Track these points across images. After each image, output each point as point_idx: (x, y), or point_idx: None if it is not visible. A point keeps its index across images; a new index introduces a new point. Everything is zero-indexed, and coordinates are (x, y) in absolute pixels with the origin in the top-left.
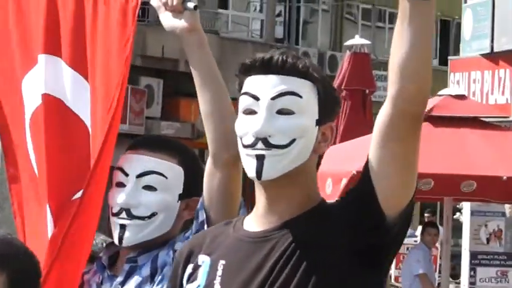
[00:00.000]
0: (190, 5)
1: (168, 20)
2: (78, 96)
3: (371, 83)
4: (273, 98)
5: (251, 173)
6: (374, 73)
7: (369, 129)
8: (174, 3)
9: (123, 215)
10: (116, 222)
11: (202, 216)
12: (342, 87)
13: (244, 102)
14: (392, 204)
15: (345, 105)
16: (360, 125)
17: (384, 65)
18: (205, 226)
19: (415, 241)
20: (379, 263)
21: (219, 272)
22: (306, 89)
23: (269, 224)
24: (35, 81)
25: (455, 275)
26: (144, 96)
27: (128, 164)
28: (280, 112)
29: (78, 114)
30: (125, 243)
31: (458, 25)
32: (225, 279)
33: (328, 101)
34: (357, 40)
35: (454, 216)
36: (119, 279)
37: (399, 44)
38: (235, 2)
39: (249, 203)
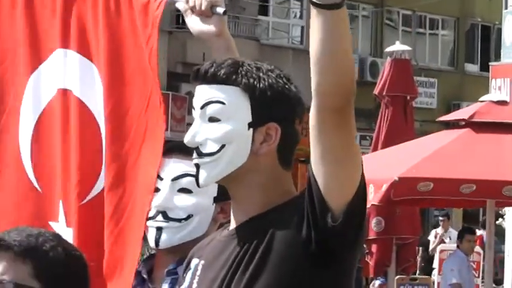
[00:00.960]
0: (220, 10)
1: (195, 24)
2: (93, 92)
3: (412, 89)
4: (201, 107)
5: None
6: (415, 79)
7: (410, 135)
8: (203, 7)
9: (160, 217)
10: (152, 226)
11: None
12: (384, 94)
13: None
14: (333, 198)
15: (386, 112)
16: (402, 131)
17: (425, 71)
18: None
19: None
20: (332, 258)
21: (198, 272)
22: (231, 96)
23: (237, 222)
24: (49, 76)
25: (498, 281)
26: (185, 103)
27: (162, 169)
28: (211, 119)
29: (90, 109)
30: (161, 245)
31: (499, 31)
32: (201, 277)
33: (265, 103)
34: (398, 46)
35: (497, 222)
36: None
37: (311, 42)
38: (275, 8)
39: None
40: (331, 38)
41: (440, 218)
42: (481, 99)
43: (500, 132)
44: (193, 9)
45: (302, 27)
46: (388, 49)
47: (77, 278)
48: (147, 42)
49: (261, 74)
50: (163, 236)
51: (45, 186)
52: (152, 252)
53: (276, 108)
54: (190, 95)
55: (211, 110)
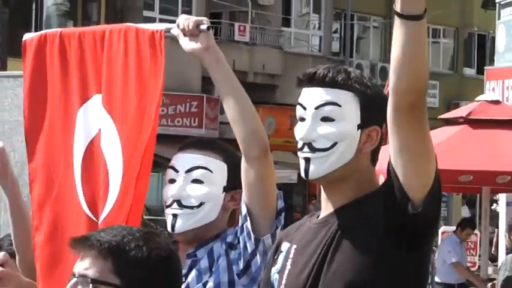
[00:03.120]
0: (204, 27)
1: (187, 44)
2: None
3: None
4: (316, 108)
5: (301, 172)
6: None
7: None
8: (191, 27)
9: (175, 205)
10: (169, 213)
11: (244, 210)
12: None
13: (298, 111)
14: (413, 189)
15: None
16: None
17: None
18: (248, 218)
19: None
20: (414, 241)
21: (291, 255)
22: (346, 99)
23: (327, 212)
24: (90, 117)
25: (493, 259)
26: (217, 104)
27: (177, 162)
28: (324, 119)
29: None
30: (176, 230)
31: (493, 39)
32: (295, 260)
33: (371, 108)
34: None
35: (492, 207)
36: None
37: (393, 48)
38: (296, 20)
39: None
40: (412, 46)
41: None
42: (477, 99)
43: (494, 128)
44: (183, 32)
45: (320, 37)
46: None
47: (160, 278)
48: (156, 65)
49: (367, 82)
50: (178, 222)
51: (96, 215)
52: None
53: (378, 113)
54: None
55: (326, 110)
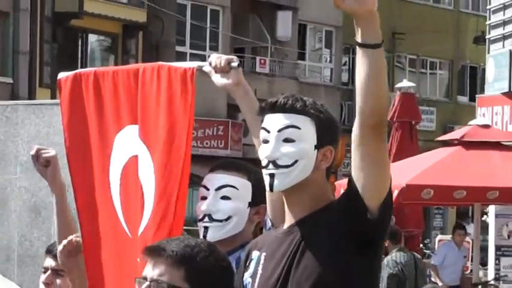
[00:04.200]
0: (234, 64)
1: (218, 79)
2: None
3: (417, 116)
4: (279, 130)
5: (266, 186)
6: (419, 108)
7: (415, 152)
8: (222, 65)
9: (206, 219)
10: (201, 225)
11: (268, 224)
12: (394, 120)
13: (262, 134)
14: (370, 197)
15: (396, 133)
16: (408, 149)
17: (427, 102)
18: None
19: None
20: (370, 247)
21: (262, 261)
22: (304, 123)
23: (289, 223)
24: (124, 145)
25: (483, 263)
26: (241, 128)
27: (209, 182)
28: (286, 140)
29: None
30: (208, 239)
31: (483, 70)
32: (265, 266)
33: (325, 130)
34: (405, 83)
35: (482, 218)
36: None
37: (357, 75)
38: (310, 54)
39: None
40: (373, 70)
41: None
42: (469, 123)
43: (484, 149)
44: (215, 69)
45: (331, 69)
46: (398, 85)
47: (222, 284)
48: (186, 99)
49: (320, 108)
50: (209, 233)
51: (132, 231)
52: None
53: (331, 135)
54: (245, 121)
55: (288, 132)
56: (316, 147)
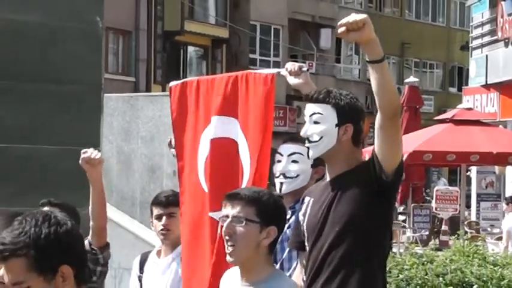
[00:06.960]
0: (304, 69)
1: (293, 80)
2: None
3: (420, 102)
4: (310, 116)
5: (307, 154)
6: (422, 97)
7: (418, 127)
8: (295, 69)
9: (281, 177)
10: (277, 181)
11: (297, 213)
12: (404, 105)
13: (305, 118)
14: (387, 164)
15: (405, 114)
16: (413, 126)
17: (427, 92)
18: None
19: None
20: (386, 198)
21: (310, 204)
22: (325, 109)
23: (330, 178)
24: (207, 134)
25: (468, 206)
26: (296, 111)
27: (282, 150)
28: (314, 122)
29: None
30: (283, 192)
31: (467, 70)
32: (312, 207)
33: (344, 113)
34: (411, 79)
35: (467, 174)
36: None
37: (372, 83)
38: (344, 58)
39: None
40: (382, 79)
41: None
42: (458, 107)
43: (468, 125)
44: (290, 73)
45: (359, 69)
46: (406, 80)
47: (279, 215)
48: (268, 97)
49: (342, 97)
50: (284, 187)
51: (211, 188)
52: None
53: (350, 115)
54: (299, 107)
55: (315, 117)
56: (337, 125)
